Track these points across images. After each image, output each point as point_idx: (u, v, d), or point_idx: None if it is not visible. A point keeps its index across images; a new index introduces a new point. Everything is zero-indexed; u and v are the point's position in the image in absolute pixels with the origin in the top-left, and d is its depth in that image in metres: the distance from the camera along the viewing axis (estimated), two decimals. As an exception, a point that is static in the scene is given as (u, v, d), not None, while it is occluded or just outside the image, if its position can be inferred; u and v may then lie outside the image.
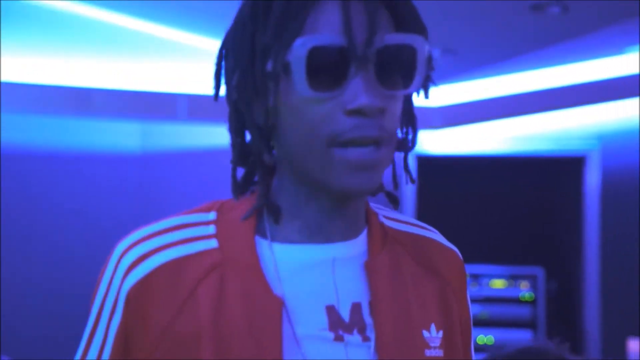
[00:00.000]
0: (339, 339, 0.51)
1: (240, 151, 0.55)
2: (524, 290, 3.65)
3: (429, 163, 3.63)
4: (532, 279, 3.63)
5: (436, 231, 0.64)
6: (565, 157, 3.74)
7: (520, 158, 3.85)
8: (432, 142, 3.78)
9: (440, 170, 3.85)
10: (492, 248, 3.83)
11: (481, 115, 3.67)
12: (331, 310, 0.52)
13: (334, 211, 0.53)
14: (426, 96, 0.54)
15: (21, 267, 3.25)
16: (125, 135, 3.45)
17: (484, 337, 3.52)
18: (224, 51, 0.54)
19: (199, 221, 0.53)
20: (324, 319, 0.51)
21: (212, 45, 2.73)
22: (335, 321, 0.52)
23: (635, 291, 3.51)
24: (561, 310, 3.82)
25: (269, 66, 0.47)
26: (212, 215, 0.54)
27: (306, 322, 0.51)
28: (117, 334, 0.49)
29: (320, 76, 0.46)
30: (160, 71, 3.15)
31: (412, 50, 0.49)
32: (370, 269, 0.55)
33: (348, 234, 0.55)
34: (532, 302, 3.63)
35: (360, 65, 0.47)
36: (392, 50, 0.48)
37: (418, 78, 0.50)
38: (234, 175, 0.55)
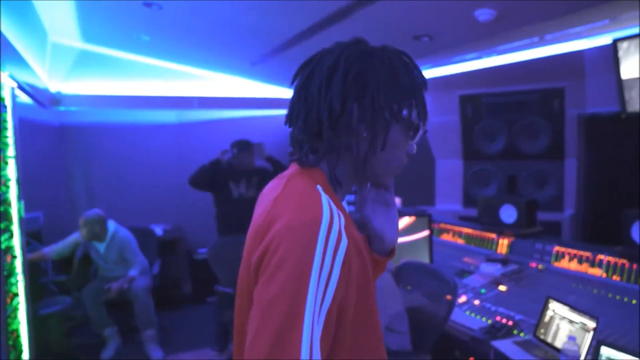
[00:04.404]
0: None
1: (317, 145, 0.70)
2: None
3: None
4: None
5: None
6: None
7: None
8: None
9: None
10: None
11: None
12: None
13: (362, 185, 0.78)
14: None
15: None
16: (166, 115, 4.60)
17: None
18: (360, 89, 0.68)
19: (323, 195, 0.64)
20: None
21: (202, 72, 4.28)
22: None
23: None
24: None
25: (411, 118, 0.70)
26: (320, 189, 0.66)
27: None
28: (340, 279, 0.59)
29: None
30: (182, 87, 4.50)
31: None
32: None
33: None
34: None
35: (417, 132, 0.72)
36: None
37: None
38: (306, 153, 0.71)
